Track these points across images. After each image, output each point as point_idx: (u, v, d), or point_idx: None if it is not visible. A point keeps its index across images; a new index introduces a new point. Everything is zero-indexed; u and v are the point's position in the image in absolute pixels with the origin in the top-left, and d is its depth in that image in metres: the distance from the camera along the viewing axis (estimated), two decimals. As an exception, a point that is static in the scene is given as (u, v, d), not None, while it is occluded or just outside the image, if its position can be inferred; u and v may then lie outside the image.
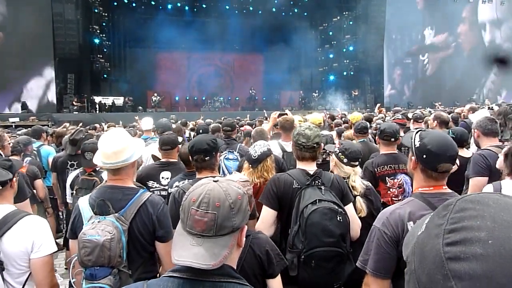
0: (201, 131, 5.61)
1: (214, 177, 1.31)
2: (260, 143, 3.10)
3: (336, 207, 2.31)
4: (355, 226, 2.50)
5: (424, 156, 1.75)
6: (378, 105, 12.83)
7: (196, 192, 1.22)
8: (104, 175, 3.48)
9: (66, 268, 4.88)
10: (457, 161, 3.63)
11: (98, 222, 1.99)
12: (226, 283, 1.19)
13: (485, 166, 3.21)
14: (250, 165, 2.99)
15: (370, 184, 3.05)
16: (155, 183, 3.54)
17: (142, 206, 2.13)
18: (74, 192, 3.70)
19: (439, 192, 1.81)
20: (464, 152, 3.77)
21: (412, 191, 3.35)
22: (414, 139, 1.83)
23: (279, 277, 1.95)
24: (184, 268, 1.19)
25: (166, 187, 3.46)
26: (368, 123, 5.41)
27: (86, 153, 3.67)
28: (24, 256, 2.01)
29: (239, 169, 3.42)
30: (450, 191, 1.88)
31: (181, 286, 1.18)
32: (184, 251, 1.15)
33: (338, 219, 2.27)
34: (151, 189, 3.45)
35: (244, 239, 1.30)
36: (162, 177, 3.56)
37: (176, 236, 1.22)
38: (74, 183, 3.79)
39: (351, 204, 2.59)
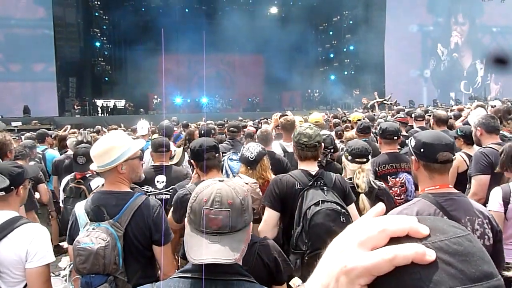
0: (202, 132, 5.59)
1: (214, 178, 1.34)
2: (252, 145, 3.06)
3: (339, 208, 2.30)
4: (358, 226, 2.49)
5: (422, 150, 1.80)
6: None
7: (206, 192, 1.24)
8: (93, 183, 3.42)
9: (69, 266, 4.89)
10: (467, 160, 3.64)
11: (93, 229, 1.96)
12: (237, 281, 1.21)
13: (487, 164, 3.20)
14: (248, 167, 2.95)
15: (384, 185, 3.03)
16: (150, 187, 3.49)
17: (137, 211, 2.08)
18: (63, 199, 3.67)
19: (446, 192, 1.82)
20: (472, 150, 3.72)
21: (414, 190, 3.39)
22: (410, 142, 1.89)
23: (285, 284, 1.93)
24: (194, 268, 1.21)
25: (162, 191, 3.44)
26: (370, 122, 5.41)
27: (78, 157, 3.55)
28: (18, 265, 1.98)
29: None
30: (457, 191, 1.89)
31: (193, 286, 1.19)
32: (202, 250, 1.17)
33: (342, 220, 2.27)
34: (146, 193, 3.41)
35: (250, 235, 1.33)
36: (157, 181, 3.50)
37: (188, 239, 1.23)
38: (65, 189, 3.74)
39: (353, 204, 2.58)
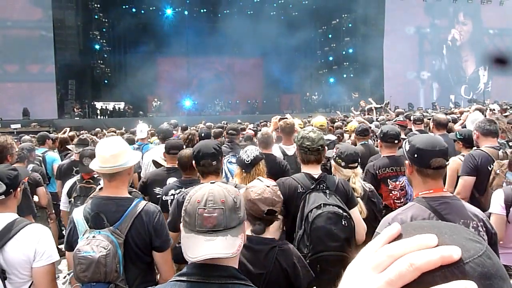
0: (203, 135, 5.58)
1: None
2: (250, 148, 3.07)
3: (341, 211, 2.31)
4: (361, 229, 2.50)
5: (416, 156, 1.81)
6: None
7: (198, 193, 1.27)
8: (102, 182, 3.46)
9: (68, 274, 4.88)
10: None
11: (93, 237, 1.96)
12: (232, 284, 1.22)
13: (473, 166, 3.29)
14: (243, 170, 2.95)
15: (372, 186, 3.06)
16: (162, 189, 3.49)
17: (137, 217, 2.09)
18: (72, 199, 3.68)
19: (440, 196, 1.83)
20: None
21: (413, 195, 3.40)
22: (405, 145, 1.90)
23: None
24: (191, 271, 1.23)
25: (174, 193, 3.44)
26: (370, 125, 5.43)
27: (84, 159, 3.62)
28: (26, 264, 2.00)
29: None
30: (451, 194, 1.91)
31: None
32: (199, 248, 1.19)
33: (343, 223, 2.27)
34: (158, 196, 3.41)
35: (245, 232, 1.36)
36: (169, 183, 3.50)
37: (184, 240, 1.25)
38: (72, 190, 3.76)
39: (356, 208, 2.58)
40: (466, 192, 3.28)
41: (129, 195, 2.26)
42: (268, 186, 1.88)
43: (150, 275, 2.23)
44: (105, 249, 1.91)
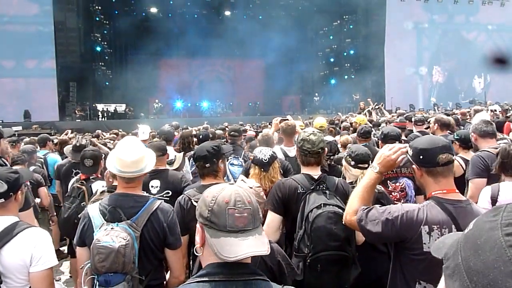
0: (201, 137, 5.59)
1: (217, 183, 1.39)
2: (263, 148, 3.13)
3: (341, 211, 2.30)
4: (360, 230, 2.51)
5: (421, 157, 1.81)
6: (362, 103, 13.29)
7: (224, 194, 1.27)
8: (94, 185, 3.51)
9: (70, 276, 4.89)
10: (463, 164, 3.64)
11: (111, 229, 2.02)
12: (255, 280, 1.25)
13: (483, 167, 3.23)
14: (262, 169, 3.01)
15: (382, 188, 3.04)
16: (145, 192, 3.49)
17: (153, 214, 2.17)
18: (65, 197, 3.70)
19: (455, 199, 1.81)
20: (469, 155, 3.72)
21: (414, 195, 3.39)
22: (408, 151, 1.91)
23: None
24: (213, 271, 1.24)
25: (156, 196, 3.41)
26: (372, 127, 5.43)
27: (85, 160, 3.68)
28: (22, 269, 1.99)
29: (246, 175, 3.41)
30: (465, 198, 1.90)
31: None
32: (236, 247, 1.20)
33: (343, 222, 2.27)
34: None
35: None
36: (152, 186, 3.45)
37: (214, 241, 1.22)
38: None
39: None
40: None
41: (144, 194, 2.35)
42: (251, 187, 1.90)
43: (159, 273, 2.30)
44: (124, 239, 1.97)
